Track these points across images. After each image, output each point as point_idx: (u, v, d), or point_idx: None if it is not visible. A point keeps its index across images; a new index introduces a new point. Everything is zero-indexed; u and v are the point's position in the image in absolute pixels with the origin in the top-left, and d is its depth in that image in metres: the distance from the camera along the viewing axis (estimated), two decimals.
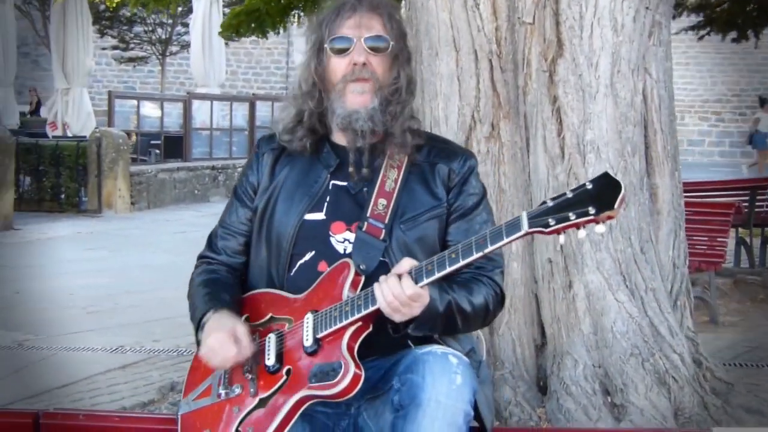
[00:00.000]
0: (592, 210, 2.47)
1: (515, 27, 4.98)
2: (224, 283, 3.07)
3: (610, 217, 2.48)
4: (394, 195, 2.99)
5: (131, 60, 30.62)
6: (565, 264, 4.91)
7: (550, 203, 2.54)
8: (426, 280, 2.69)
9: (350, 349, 2.74)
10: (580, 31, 4.82)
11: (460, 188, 3.06)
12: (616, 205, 2.46)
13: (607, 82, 4.84)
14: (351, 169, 3.02)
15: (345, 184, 3.04)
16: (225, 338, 2.82)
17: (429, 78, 5.11)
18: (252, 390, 2.82)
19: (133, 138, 18.23)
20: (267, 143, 3.19)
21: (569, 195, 2.52)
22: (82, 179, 16.11)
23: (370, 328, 2.79)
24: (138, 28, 29.62)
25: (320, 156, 3.08)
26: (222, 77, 22.85)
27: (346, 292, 2.81)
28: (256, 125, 21.28)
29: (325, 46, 3.03)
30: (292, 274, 2.98)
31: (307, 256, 2.97)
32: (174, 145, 19.01)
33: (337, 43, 3.01)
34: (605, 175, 2.52)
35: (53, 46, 19.41)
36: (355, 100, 2.98)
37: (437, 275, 2.68)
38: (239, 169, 20.55)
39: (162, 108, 19.70)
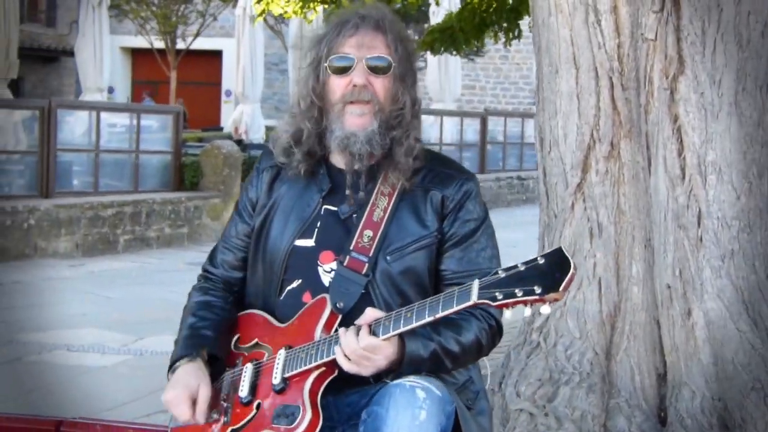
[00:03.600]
0: (538, 289, 2.41)
1: (638, 43, 4.81)
2: (214, 309, 3.05)
3: (556, 299, 2.41)
4: (382, 225, 2.91)
5: None
6: (684, 290, 4.69)
7: (502, 274, 2.48)
8: (383, 336, 2.63)
9: (312, 393, 2.72)
10: (702, 48, 4.60)
11: (455, 215, 2.94)
12: (561, 288, 2.39)
13: (730, 100, 4.60)
14: (348, 192, 2.94)
15: (336, 209, 2.97)
16: (183, 398, 2.80)
17: (549, 96, 5.02)
18: (226, 419, 2.84)
19: None
20: (267, 159, 3.13)
21: (521, 268, 2.46)
22: None
23: (335, 373, 2.74)
24: None
25: (316, 178, 3.01)
26: (457, 92, 23.00)
27: (318, 332, 2.79)
28: (487, 140, 21.31)
29: (324, 64, 2.93)
30: (281, 298, 2.96)
31: (295, 284, 2.95)
32: None
33: (337, 61, 2.91)
34: (559, 251, 2.45)
35: (290, 64, 20.06)
36: (354, 122, 2.89)
37: (392, 333, 2.63)
38: None
39: None
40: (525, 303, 2.43)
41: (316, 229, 2.96)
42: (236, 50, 21.26)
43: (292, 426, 2.66)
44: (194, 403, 2.82)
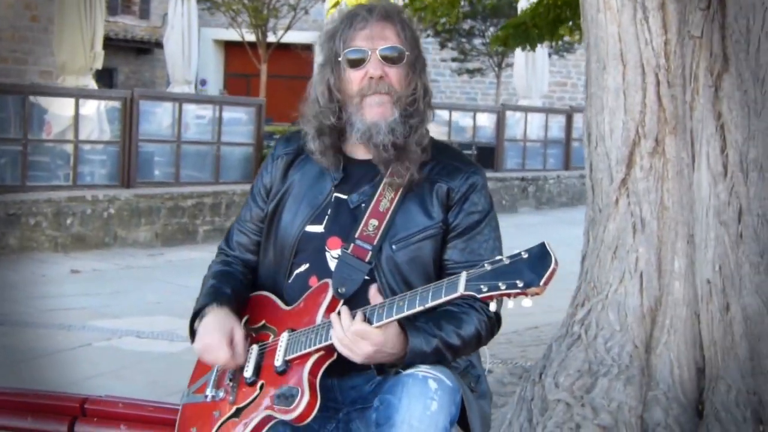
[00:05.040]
0: (520, 283, 2.50)
1: (684, 41, 4.85)
2: (234, 277, 3.16)
3: (537, 293, 2.50)
4: (387, 215, 2.99)
5: (469, 72, 31.20)
6: (723, 286, 4.73)
7: (488, 267, 2.57)
8: (376, 323, 2.72)
9: (312, 375, 2.81)
10: (747, 45, 4.62)
11: (460, 207, 3.03)
12: (542, 282, 2.48)
13: None
14: (386, 180, 3.03)
15: (346, 197, 3.06)
16: (222, 340, 2.91)
17: (596, 92, 5.07)
18: (231, 398, 2.94)
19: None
20: (283, 146, 3.25)
21: (506, 262, 2.55)
22: None
23: (334, 357, 2.84)
24: (477, 41, 30.10)
25: (329, 167, 3.10)
26: (544, 89, 22.98)
27: (320, 316, 2.89)
28: (572, 137, 21.24)
29: (339, 59, 3.02)
30: (289, 281, 3.06)
31: (303, 267, 3.05)
32: (487, 156, 19.36)
33: (351, 54, 3.00)
34: (542, 246, 2.54)
35: None
36: (374, 111, 2.98)
37: (385, 321, 2.72)
38: (551, 181, 20.71)
39: (474, 119, 20.09)
40: (508, 296, 2.52)
41: (327, 216, 3.06)
42: None
43: (291, 407, 2.76)
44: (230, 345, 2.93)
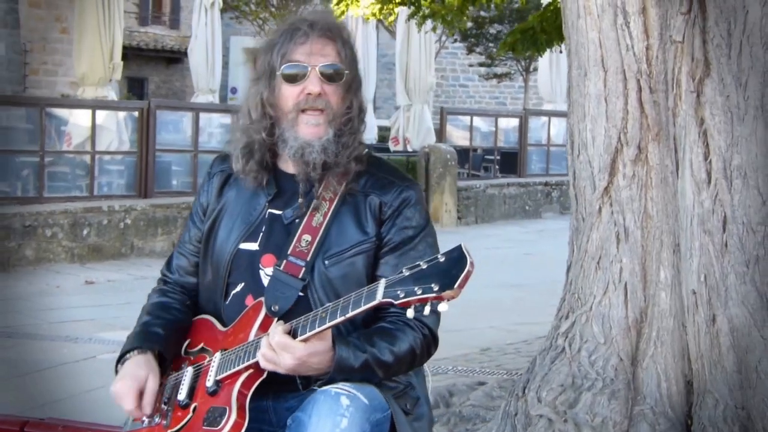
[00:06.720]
0: (435, 287, 2.43)
1: (666, 45, 4.74)
2: (170, 312, 3.10)
3: (452, 297, 2.42)
4: (321, 230, 2.94)
5: (497, 76, 31.14)
6: (708, 296, 4.61)
7: (406, 273, 2.50)
8: (301, 336, 2.67)
9: (241, 395, 2.76)
10: (728, 50, 4.51)
11: (392, 222, 2.97)
12: (456, 285, 2.40)
13: (756, 103, 4.49)
14: (300, 200, 2.98)
15: (280, 213, 3.00)
16: (131, 390, 2.88)
17: (577, 99, 4.96)
18: (166, 422, 2.88)
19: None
20: (219, 164, 3.19)
21: (423, 267, 2.48)
22: None
23: (264, 376, 2.78)
24: None
25: (263, 183, 3.04)
26: None
27: (253, 335, 2.83)
28: None
29: (277, 73, 2.95)
30: (227, 302, 3.01)
31: (239, 287, 2.99)
32: (510, 161, 19.25)
33: (290, 69, 2.94)
34: (458, 249, 2.47)
35: (397, 65, 20.08)
36: (309, 131, 2.93)
37: (309, 333, 2.66)
38: None
39: (496, 124, 19.96)
40: (424, 301, 2.45)
41: (261, 233, 3.00)
42: None
43: (218, 428, 2.70)
44: (142, 395, 2.89)
